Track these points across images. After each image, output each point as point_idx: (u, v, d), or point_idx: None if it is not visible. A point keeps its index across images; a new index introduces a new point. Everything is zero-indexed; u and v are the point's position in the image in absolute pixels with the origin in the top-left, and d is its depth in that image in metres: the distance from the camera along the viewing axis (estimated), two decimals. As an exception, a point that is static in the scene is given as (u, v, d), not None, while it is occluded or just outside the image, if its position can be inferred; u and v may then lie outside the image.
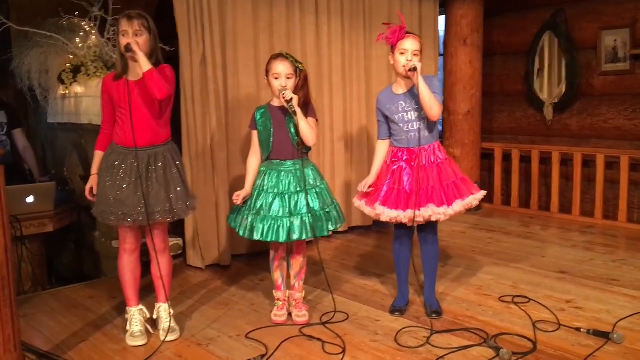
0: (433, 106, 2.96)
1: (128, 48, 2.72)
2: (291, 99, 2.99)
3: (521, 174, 5.70)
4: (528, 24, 5.67)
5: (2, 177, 2.46)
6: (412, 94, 3.07)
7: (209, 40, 3.99)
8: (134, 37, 2.75)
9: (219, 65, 4.06)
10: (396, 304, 3.30)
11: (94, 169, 2.95)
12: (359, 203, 3.25)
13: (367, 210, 3.18)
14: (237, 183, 4.13)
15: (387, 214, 3.06)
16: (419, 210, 3.00)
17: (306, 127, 3.04)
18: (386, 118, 3.17)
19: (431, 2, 5.33)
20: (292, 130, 3.09)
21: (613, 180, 5.08)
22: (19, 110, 4.95)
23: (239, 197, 3.13)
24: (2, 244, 2.46)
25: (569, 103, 5.44)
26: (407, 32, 3.06)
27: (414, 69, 2.93)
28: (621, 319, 3.05)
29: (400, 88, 3.13)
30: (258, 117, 3.18)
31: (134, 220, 2.82)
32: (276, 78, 3.05)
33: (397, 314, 3.23)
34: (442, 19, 5.64)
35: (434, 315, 3.16)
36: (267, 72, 3.11)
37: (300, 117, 3.01)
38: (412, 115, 3.08)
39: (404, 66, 3.00)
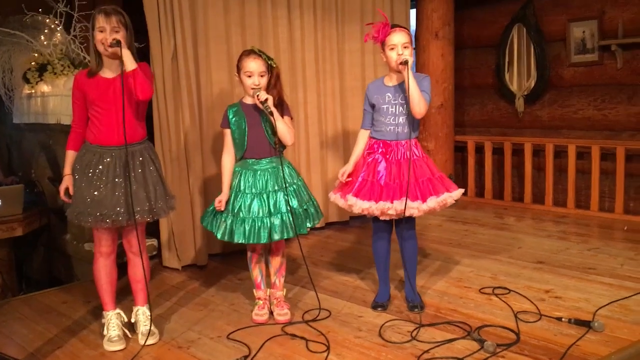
0: (420, 102, 2.94)
1: (117, 43, 2.64)
2: (266, 100, 2.93)
3: (494, 166, 5.75)
4: (498, 17, 5.72)
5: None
6: (401, 88, 3.06)
7: (179, 36, 3.91)
8: (112, 33, 2.67)
9: (190, 61, 3.98)
10: (378, 299, 3.28)
11: (67, 169, 2.85)
12: (334, 196, 3.23)
13: (341, 202, 3.16)
14: (212, 181, 4.07)
15: (359, 205, 3.04)
16: (391, 202, 2.99)
17: (284, 128, 2.99)
18: (372, 107, 3.15)
19: (402, -4, 5.33)
20: (267, 128, 3.03)
21: (584, 170, 5.16)
22: None
23: (221, 203, 3.05)
24: (-29, 250, 2.36)
25: (540, 95, 5.50)
26: (393, 26, 3.03)
27: (405, 63, 2.91)
28: (600, 307, 3.08)
29: (390, 81, 3.12)
30: (231, 115, 3.10)
31: (113, 221, 2.74)
32: (249, 76, 2.99)
33: (379, 309, 3.21)
34: (413, 13, 5.63)
35: (415, 310, 3.15)
36: (239, 69, 3.03)
37: (277, 118, 2.95)
38: (397, 109, 3.06)
39: (395, 61, 2.97)
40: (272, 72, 3.04)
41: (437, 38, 5.43)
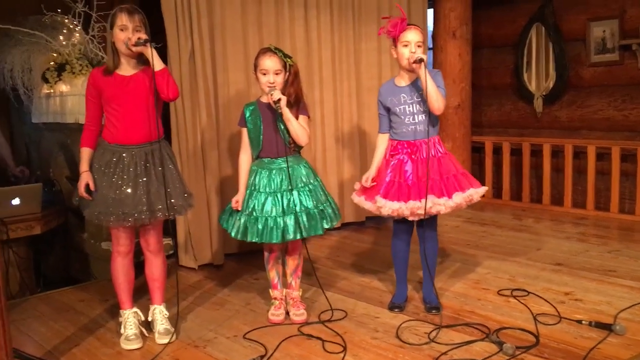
0: (438, 99, 2.91)
1: (145, 42, 2.63)
2: (279, 100, 2.91)
3: (512, 167, 5.69)
4: (516, 16, 5.66)
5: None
6: (415, 86, 3.02)
7: (197, 36, 3.92)
8: (134, 32, 2.67)
9: (207, 60, 3.99)
10: (395, 300, 3.25)
11: (85, 166, 2.80)
12: (358, 199, 3.19)
13: (368, 205, 3.12)
14: (229, 181, 4.07)
15: (389, 207, 2.99)
16: (420, 201, 2.95)
17: (296, 128, 2.97)
18: (387, 111, 3.11)
19: (419, -5, 5.29)
20: (283, 127, 3.01)
21: (603, 172, 5.09)
22: None
23: (238, 203, 3.05)
24: (-9, 248, 2.37)
25: (559, 95, 5.44)
26: (409, 24, 3.00)
27: (420, 61, 2.87)
28: (622, 310, 3.03)
29: (402, 80, 3.08)
30: (247, 114, 3.10)
31: (135, 219, 2.74)
32: (264, 74, 2.97)
33: (396, 310, 3.18)
34: (430, 13, 5.60)
35: (433, 311, 3.12)
36: (255, 67, 3.02)
37: (287, 119, 2.93)
38: (414, 108, 3.03)
39: (407, 59, 2.94)
40: (290, 70, 3.02)
41: (454, 38, 5.39)
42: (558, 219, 5.03)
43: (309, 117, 3.11)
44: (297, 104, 3.03)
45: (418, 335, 2.88)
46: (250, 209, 3.00)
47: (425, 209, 2.92)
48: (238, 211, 3.05)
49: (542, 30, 5.44)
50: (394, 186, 3.02)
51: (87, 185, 2.78)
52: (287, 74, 3.01)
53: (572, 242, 4.33)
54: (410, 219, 3.02)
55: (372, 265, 3.99)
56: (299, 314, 3.12)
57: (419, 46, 2.95)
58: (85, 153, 2.84)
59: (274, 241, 2.96)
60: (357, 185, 3.24)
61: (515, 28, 5.66)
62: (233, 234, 3.03)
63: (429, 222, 3.07)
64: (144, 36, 2.66)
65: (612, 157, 4.95)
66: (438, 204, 2.94)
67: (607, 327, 2.82)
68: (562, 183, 5.30)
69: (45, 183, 4.43)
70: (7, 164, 4.61)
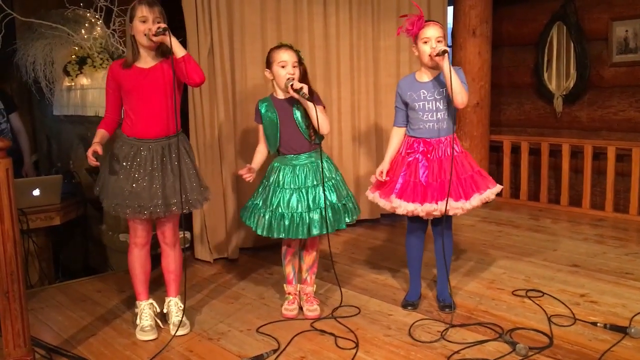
0: (461, 92, 2.89)
1: (164, 30, 2.65)
2: (301, 88, 2.91)
3: (530, 167, 5.64)
4: (537, 15, 5.61)
5: (10, 170, 2.42)
6: (436, 83, 3.01)
7: (216, 32, 3.94)
8: (154, 24, 2.70)
9: (226, 56, 4.01)
10: (408, 297, 3.25)
11: (96, 139, 2.76)
12: (372, 195, 3.19)
13: (382, 202, 3.12)
14: (245, 176, 4.09)
15: (404, 207, 2.99)
16: (436, 203, 2.95)
17: (319, 115, 2.96)
18: (405, 105, 3.11)
19: (440, -7, 5.27)
20: (300, 121, 3.03)
21: (623, 173, 5.03)
22: (12, 94, 4.93)
23: (248, 171, 3.00)
24: (10, 237, 2.42)
25: (579, 95, 5.38)
26: (427, 20, 2.99)
27: (443, 52, 2.85)
28: (637, 313, 3.00)
29: (424, 76, 3.06)
30: (263, 110, 3.10)
31: (150, 212, 2.78)
32: (282, 66, 2.98)
33: (409, 308, 3.18)
34: (450, 10, 5.57)
35: (447, 310, 3.12)
36: (270, 63, 3.02)
37: (310, 107, 2.93)
38: (433, 105, 3.01)
39: (429, 54, 2.93)
40: (301, 67, 3.04)
41: (474, 36, 5.36)
42: (576, 220, 4.99)
43: (324, 107, 3.11)
44: (311, 96, 3.04)
45: (431, 333, 2.88)
46: (275, 205, 3.02)
47: (445, 210, 2.91)
48: (261, 208, 3.06)
49: (563, 29, 5.38)
50: (409, 186, 3.01)
51: (96, 152, 2.69)
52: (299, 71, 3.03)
53: (589, 243, 4.29)
54: (425, 218, 3.02)
55: (386, 262, 3.99)
56: (312, 309, 3.14)
57: (439, 41, 2.93)
58: (99, 132, 2.82)
59: (300, 236, 2.98)
60: (373, 179, 3.23)
61: (536, 26, 5.60)
62: (259, 232, 3.04)
63: (446, 220, 3.05)
64: (163, 25, 2.68)
65: (632, 158, 4.89)
66: (455, 207, 2.94)
67: (622, 330, 2.80)
68: (581, 184, 5.25)
69: (65, 175, 4.49)
70: (23, 158, 4.70)
